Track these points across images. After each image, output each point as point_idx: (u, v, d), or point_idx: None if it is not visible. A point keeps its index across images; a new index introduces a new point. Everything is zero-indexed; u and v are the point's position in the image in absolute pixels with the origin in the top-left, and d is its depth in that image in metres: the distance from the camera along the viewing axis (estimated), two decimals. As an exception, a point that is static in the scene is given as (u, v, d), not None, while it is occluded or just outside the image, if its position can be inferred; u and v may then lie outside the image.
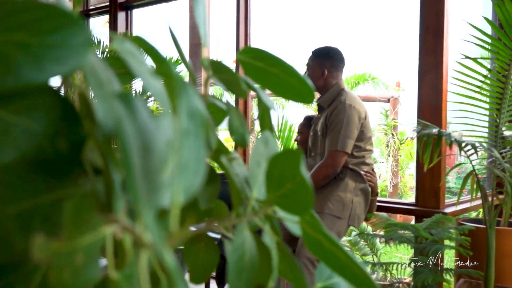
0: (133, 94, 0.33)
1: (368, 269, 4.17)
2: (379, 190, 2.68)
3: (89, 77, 0.38)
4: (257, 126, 8.96)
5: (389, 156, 10.12)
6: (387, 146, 9.97)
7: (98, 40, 4.09)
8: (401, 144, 9.79)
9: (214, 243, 0.64)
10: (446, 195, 2.88)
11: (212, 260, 0.62)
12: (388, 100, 10.08)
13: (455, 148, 2.29)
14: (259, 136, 0.60)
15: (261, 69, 0.63)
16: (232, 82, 0.62)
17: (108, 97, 0.35)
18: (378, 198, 2.80)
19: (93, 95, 0.37)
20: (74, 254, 0.28)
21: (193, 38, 4.37)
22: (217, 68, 0.61)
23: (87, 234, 0.33)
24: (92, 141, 0.44)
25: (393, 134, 9.87)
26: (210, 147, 0.61)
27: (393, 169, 10.04)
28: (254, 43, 3.96)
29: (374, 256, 4.27)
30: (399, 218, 7.34)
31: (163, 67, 0.44)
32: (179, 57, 0.66)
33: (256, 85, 0.63)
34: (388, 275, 2.59)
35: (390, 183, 10.00)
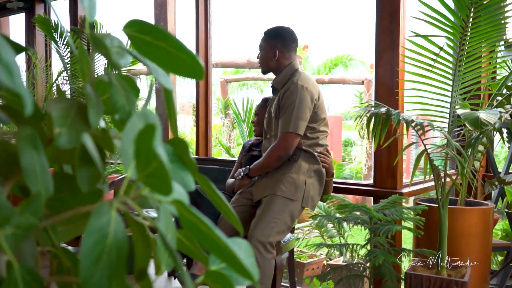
0: None
1: (325, 251, 4.18)
2: (334, 171, 2.66)
3: None
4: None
5: (363, 138, 10.18)
6: (362, 128, 10.01)
7: (56, 23, 3.97)
8: (375, 126, 9.81)
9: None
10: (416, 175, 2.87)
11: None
12: (362, 83, 10.11)
13: (410, 128, 2.27)
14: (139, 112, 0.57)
15: (149, 43, 0.60)
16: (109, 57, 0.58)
17: None
18: (336, 180, 2.79)
19: None
20: None
21: (158, 21, 4.28)
22: (96, 44, 0.58)
23: None
24: None
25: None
26: (91, 124, 0.57)
27: (367, 151, 10.10)
28: (215, 29, 3.90)
29: (342, 238, 4.29)
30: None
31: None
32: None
33: (152, 64, 0.59)
34: (356, 256, 2.59)
35: (365, 165, 10.06)
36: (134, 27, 0.59)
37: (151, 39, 0.59)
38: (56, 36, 3.97)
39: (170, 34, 0.57)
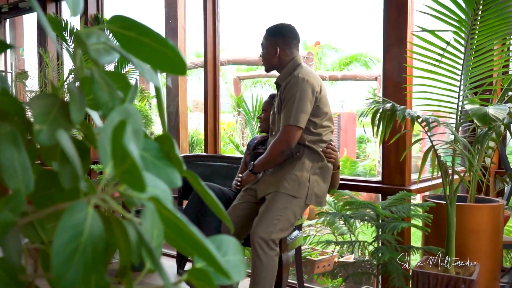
0: None
1: (337, 248, 4.15)
2: (340, 163, 2.64)
3: None
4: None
5: (374, 135, 10.07)
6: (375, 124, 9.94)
7: (66, 22, 3.99)
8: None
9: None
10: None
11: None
12: (376, 79, 10.03)
13: (417, 124, 2.24)
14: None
15: (133, 39, 0.59)
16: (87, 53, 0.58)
17: None
18: (344, 176, 2.76)
19: None
20: None
21: (168, 23, 4.28)
22: (77, 40, 0.57)
23: None
24: None
25: (381, 113, 9.83)
26: (72, 121, 0.57)
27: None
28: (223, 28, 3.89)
29: (352, 235, 4.26)
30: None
31: None
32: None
33: (136, 60, 0.59)
34: (366, 254, 2.58)
35: (379, 162, 9.98)
36: (118, 23, 0.59)
37: (135, 34, 0.58)
38: (66, 35, 3.99)
39: (153, 30, 0.57)
